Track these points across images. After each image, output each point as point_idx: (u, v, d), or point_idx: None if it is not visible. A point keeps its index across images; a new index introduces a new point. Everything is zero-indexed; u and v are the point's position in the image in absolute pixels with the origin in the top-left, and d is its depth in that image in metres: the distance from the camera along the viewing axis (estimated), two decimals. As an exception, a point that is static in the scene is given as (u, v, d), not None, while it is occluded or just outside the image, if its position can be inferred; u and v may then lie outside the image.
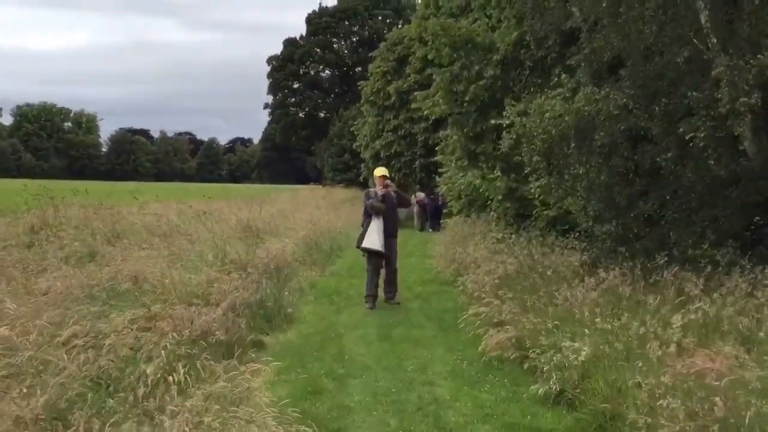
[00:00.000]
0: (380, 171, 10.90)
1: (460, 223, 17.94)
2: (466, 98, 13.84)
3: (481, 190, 15.75)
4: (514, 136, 8.55)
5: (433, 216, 29.10)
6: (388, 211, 10.29)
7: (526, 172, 13.32)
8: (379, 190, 10.42)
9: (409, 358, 7.00)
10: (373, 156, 35.59)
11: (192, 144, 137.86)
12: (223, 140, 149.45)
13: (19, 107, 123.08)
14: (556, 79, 12.03)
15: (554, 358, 5.82)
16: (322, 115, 79.49)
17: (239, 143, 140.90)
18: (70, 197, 15.21)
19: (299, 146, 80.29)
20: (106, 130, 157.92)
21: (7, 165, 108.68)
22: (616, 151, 8.31)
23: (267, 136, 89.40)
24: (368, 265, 10.24)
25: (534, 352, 6.25)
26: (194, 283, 8.17)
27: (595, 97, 8.00)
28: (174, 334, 5.88)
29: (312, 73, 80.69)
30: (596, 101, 8.12)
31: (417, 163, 32.24)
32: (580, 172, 8.12)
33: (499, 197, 13.25)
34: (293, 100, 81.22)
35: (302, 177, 79.01)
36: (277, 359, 6.76)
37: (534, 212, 12.61)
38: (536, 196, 12.52)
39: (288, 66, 78.92)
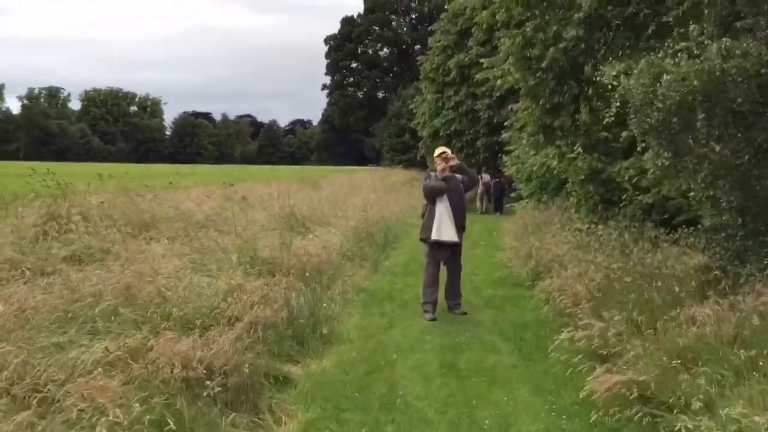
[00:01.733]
0: (439, 149, 9.02)
1: (530, 208, 15.88)
2: (542, 65, 11.73)
3: (556, 171, 13.69)
4: (618, 104, 6.55)
5: (498, 199, 27.17)
6: (454, 196, 8.45)
7: (614, 148, 11.30)
8: (439, 173, 8.61)
9: (484, 406, 5.10)
10: (432, 135, 33.63)
11: (253, 127, 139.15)
12: (283, 122, 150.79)
13: (86, 92, 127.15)
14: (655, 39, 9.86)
15: (705, 424, 3.86)
16: (380, 95, 78.22)
17: (299, 125, 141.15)
18: (96, 182, 13.83)
19: (357, 127, 79.45)
20: (169, 115, 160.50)
21: (76, 149, 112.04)
22: (757, 123, 6.21)
23: (326, 117, 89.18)
24: (429, 264, 8.46)
25: (670, 408, 4.29)
26: (208, 294, 6.47)
27: (735, 51, 5.89)
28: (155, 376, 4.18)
29: (370, 52, 79.21)
30: (732, 57, 6.01)
31: (480, 142, 30.12)
32: (713, 150, 6.04)
33: (580, 179, 11.17)
34: (351, 80, 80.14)
35: (361, 158, 77.77)
36: (305, 404, 5.01)
37: (624, 197, 10.48)
38: (625, 178, 10.46)
39: (346, 45, 77.66)
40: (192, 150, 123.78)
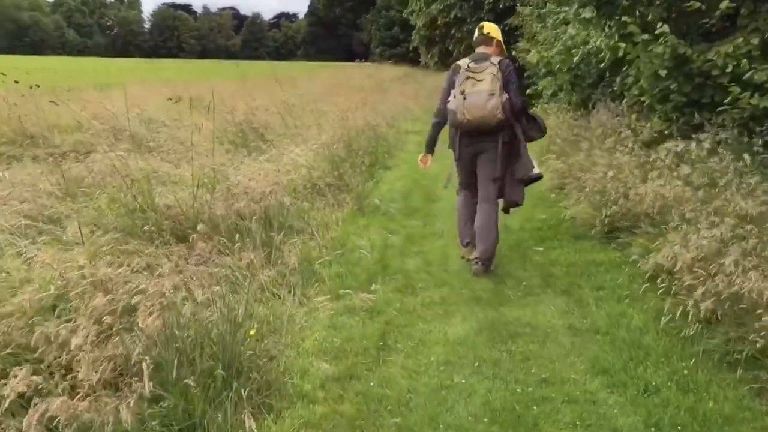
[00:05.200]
0: (480, 27, 5.66)
1: (557, 111, 12.28)
2: None
3: (622, 55, 10.08)
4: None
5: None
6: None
7: (707, 27, 7.75)
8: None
9: None
10: (428, 24, 29.64)
11: (236, 20, 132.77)
12: (268, 15, 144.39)
13: None
14: None
15: None
16: (369, -18, 72.56)
17: (284, 18, 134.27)
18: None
19: (345, 20, 74.81)
20: (148, 7, 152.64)
21: (51, 42, 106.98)
22: None
23: (312, 10, 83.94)
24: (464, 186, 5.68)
25: None
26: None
27: None
28: None
29: (359, -67, 72.87)
30: None
31: (484, 31, 26.12)
32: None
33: (662, 72, 7.57)
34: (338, -35, 74.21)
35: (349, 53, 73.19)
36: None
37: (726, 100, 6.96)
38: (725, 69, 7.08)
39: (331, -75, 71.53)
40: (173, 44, 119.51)
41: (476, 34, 5.63)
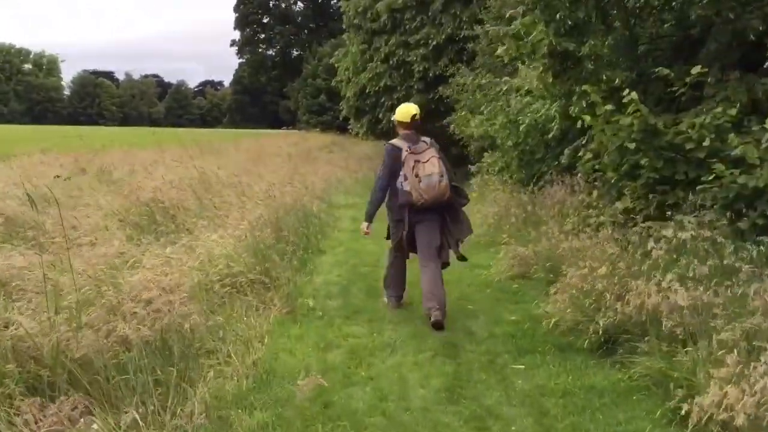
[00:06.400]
0: (409, 110, 6.27)
1: (502, 189, 11.29)
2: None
3: (555, 129, 9.36)
4: None
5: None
6: None
7: (675, 96, 6.97)
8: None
9: None
10: (358, 93, 28.97)
11: (159, 87, 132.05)
12: (193, 83, 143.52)
13: None
14: None
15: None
16: (294, 53, 72.66)
17: (210, 86, 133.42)
18: None
19: (271, 88, 74.58)
20: (68, 74, 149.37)
21: None
22: None
23: (238, 78, 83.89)
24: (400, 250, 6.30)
25: None
26: None
27: None
28: None
29: (283, 6, 73.06)
30: None
31: (414, 99, 25.47)
32: None
33: (630, 145, 6.66)
34: (263, 36, 74.19)
35: (276, 121, 72.46)
36: None
37: (709, 178, 6.01)
38: (701, 142, 6.29)
39: (255, -3, 71.67)
40: (93, 111, 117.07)
41: (404, 118, 6.11)
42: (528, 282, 7.15)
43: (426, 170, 5.76)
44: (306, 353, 4.96)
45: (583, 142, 8.45)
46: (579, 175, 8.87)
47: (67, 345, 3.49)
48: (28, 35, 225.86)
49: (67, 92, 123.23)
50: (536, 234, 7.76)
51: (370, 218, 6.20)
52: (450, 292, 6.96)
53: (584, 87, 7.27)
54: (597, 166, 8.05)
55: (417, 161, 5.79)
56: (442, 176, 5.79)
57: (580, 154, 8.38)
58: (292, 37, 73.33)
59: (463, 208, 6.22)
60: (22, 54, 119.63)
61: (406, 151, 5.85)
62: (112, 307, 4.03)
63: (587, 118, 7.10)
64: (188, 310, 4.40)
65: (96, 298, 4.17)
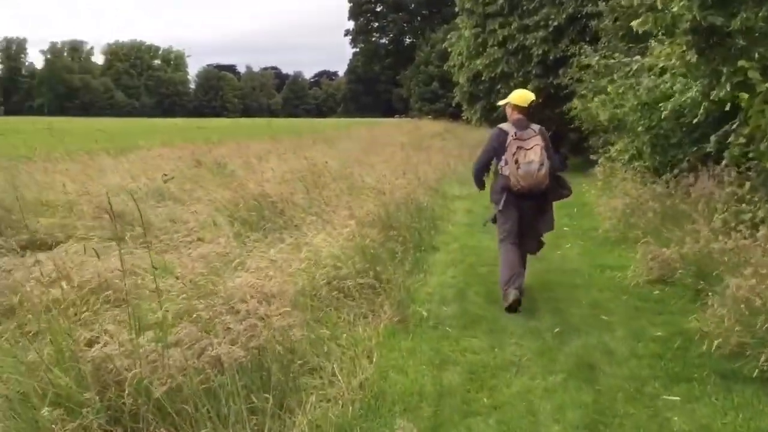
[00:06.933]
0: (528, 95, 6.26)
1: (632, 179, 10.26)
2: None
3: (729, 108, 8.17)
4: None
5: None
6: None
7: None
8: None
9: None
10: (471, 79, 27.93)
11: (277, 79, 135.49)
12: (309, 74, 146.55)
13: (109, 45, 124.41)
14: None
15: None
16: (407, 40, 72.36)
17: (325, 76, 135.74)
18: None
19: (384, 76, 74.77)
20: (194, 68, 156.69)
21: (100, 104, 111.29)
22: None
23: (352, 67, 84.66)
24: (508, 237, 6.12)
25: None
26: None
27: None
28: None
29: (395, -8, 72.77)
30: None
31: (532, 85, 24.24)
32: None
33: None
34: (376, 24, 74.31)
35: (389, 109, 72.52)
36: None
37: None
38: None
39: (369, -15, 72.03)
40: (217, 103, 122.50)
41: (522, 102, 6.07)
42: (671, 288, 6.25)
43: (527, 157, 5.78)
44: (419, 371, 4.40)
45: (734, 126, 7.40)
46: (724, 163, 7.81)
47: (154, 369, 3.09)
48: (154, 31, 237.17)
49: (192, 86, 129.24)
50: (680, 232, 6.82)
51: (479, 186, 6.49)
52: (579, 298, 6.23)
53: (740, 63, 6.29)
54: (751, 154, 7.02)
55: (520, 147, 5.81)
56: (542, 165, 5.77)
57: (730, 140, 7.35)
58: (405, 25, 73.12)
59: (556, 202, 6.27)
60: (152, 50, 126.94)
61: (512, 136, 5.87)
62: (204, 322, 3.64)
63: (744, 97, 6.12)
64: (289, 323, 3.95)
65: (189, 309, 3.80)
